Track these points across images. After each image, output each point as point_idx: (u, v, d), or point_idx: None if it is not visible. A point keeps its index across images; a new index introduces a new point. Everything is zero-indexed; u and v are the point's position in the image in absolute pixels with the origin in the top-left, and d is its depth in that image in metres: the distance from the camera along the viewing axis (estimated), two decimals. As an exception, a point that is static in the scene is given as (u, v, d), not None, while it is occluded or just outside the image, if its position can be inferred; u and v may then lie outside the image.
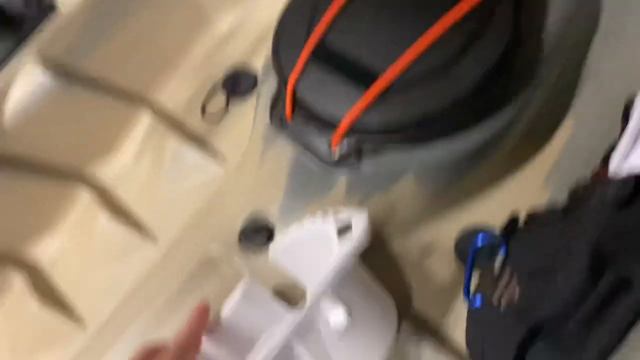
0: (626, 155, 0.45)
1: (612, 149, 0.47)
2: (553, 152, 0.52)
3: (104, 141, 0.65)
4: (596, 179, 0.46)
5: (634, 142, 0.45)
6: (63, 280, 0.62)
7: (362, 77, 0.47)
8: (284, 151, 0.54)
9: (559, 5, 0.52)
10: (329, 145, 0.50)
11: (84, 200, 0.63)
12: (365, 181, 0.51)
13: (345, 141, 0.49)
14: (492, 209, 0.51)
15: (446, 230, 0.51)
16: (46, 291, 0.61)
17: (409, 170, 0.49)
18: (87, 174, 0.65)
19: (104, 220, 0.62)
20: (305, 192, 0.53)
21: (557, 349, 0.36)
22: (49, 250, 0.63)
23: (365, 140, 0.48)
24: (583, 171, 0.49)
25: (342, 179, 0.51)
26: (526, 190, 0.51)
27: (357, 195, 0.51)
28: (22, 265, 0.61)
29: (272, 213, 0.54)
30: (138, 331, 0.54)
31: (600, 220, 0.38)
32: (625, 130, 0.46)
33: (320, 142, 0.50)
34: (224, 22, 0.69)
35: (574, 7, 0.52)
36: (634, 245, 0.37)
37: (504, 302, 0.40)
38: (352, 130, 0.48)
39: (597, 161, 0.48)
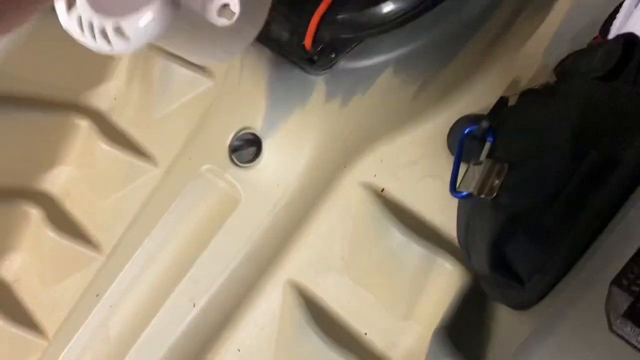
0: (628, 16, 0.41)
1: (615, 12, 0.42)
2: (552, 22, 0.48)
3: (94, 69, 0.64)
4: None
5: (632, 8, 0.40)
6: (76, 209, 0.64)
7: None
8: (261, 59, 0.51)
9: None
10: (304, 47, 0.47)
11: (83, 129, 0.64)
12: (345, 81, 0.48)
13: (318, 39, 0.46)
14: (486, 94, 0.48)
15: (438, 124, 0.49)
16: (62, 220, 0.63)
17: (386, 62, 0.46)
18: (82, 102, 0.65)
19: (105, 148, 0.62)
20: (286, 98, 0.51)
21: (537, 238, 0.35)
22: (59, 181, 0.65)
23: (338, 34, 0.45)
24: (586, 41, 0.45)
25: (321, 82, 0.49)
26: (523, 68, 0.47)
27: (338, 96, 0.49)
28: (36, 198, 0.64)
29: (256, 126, 0.53)
30: (145, 252, 0.56)
31: (584, 96, 0.35)
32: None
33: (293, 43, 0.48)
34: None
35: None
36: (616, 120, 0.33)
37: (486, 190, 0.38)
38: (323, 26, 0.45)
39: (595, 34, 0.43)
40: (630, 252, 0.29)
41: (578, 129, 0.34)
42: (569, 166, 0.34)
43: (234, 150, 0.54)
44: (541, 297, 0.34)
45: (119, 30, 0.33)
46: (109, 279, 0.57)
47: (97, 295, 0.57)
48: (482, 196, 0.38)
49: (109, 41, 0.34)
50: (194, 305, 0.53)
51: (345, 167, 0.51)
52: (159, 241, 0.55)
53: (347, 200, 0.51)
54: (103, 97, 0.65)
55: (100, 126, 0.64)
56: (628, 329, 0.27)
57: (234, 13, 0.35)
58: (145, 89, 0.63)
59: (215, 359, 0.53)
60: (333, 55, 0.47)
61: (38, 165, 0.65)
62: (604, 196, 0.33)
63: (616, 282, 0.28)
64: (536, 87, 0.42)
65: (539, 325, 0.32)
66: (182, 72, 0.62)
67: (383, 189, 0.50)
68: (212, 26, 0.35)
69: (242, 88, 0.54)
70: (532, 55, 0.47)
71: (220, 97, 0.57)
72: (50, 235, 0.62)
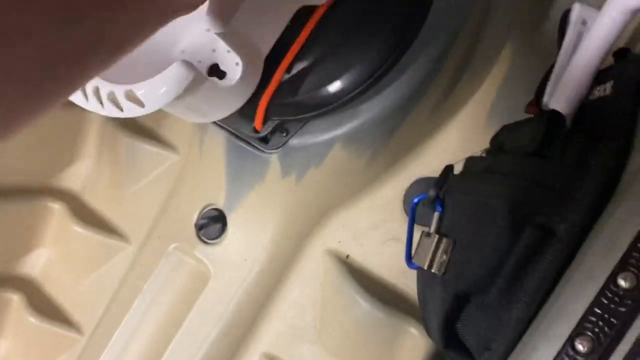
0: (560, 78, 0.42)
1: (548, 75, 0.44)
2: (490, 90, 0.49)
3: (62, 150, 0.65)
4: (529, 113, 0.43)
5: (562, 69, 0.41)
6: (56, 291, 0.65)
7: (271, 63, 0.45)
8: (218, 138, 0.53)
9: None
10: (255, 128, 0.48)
11: (57, 212, 0.65)
12: (298, 157, 0.50)
13: (268, 121, 0.48)
14: (434, 159, 0.50)
15: (393, 189, 0.50)
16: (42, 305, 0.64)
17: (334, 138, 0.48)
18: (55, 185, 0.66)
19: (78, 230, 0.64)
20: (244, 176, 0.52)
21: (483, 315, 0.36)
22: (38, 265, 0.66)
23: (285, 118, 0.47)
24: (521, 106, 0.46)
25: (275, 159, 0.50)
26: (468, 133, 0.49)
27: (294, 172, 0.50)
28: (15, 283, 0.65)
29: (219, 203, 0.54)
30: (124, 333, 0.57)
31: (516, 170, 0.36)
32: (555, 63, 0.42)
33: (246, 125, 0.49)
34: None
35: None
36: (553, 193, 0.34)
37: (435, 264, 0.39)
38: (271, 109, 0.46)
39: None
40: (567, 332, 0.30)
41: (513, 205, 0.35)
42: (507, 243, 0.35)
43: (200, 227, 0.55)
44: (492, 373, 0.35)
45: (131, 96, 0.35)
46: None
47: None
48: (433, 271, 0.39)
49: (119, 107, 0.37)
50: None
51: (309, 235, 0.52)
52: (136, 322, 0.57)
53: (315, 268, 0.52)
54: (74, 177, 0.67)
55: (73, 208, 0.65)
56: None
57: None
58: (114, 167, 0.65)
59: None
60: (284, 135, 0.49)
61: (15, 250, 0.66)
62: (541, 272, 0.34)
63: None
64: (478, 155, 0.44)
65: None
66: (146, 149, 0.63)
67: (348, 255, 0.51)
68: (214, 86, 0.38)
69: (203, 166, 0.55)
70: (474, 118, 0.49)
71: (185, 174, 0.58)
72: (31, 320, 0.63)
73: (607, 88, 0.37)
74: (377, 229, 0.51)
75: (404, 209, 0.50)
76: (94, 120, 0.65)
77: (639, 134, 0.34)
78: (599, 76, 0.39)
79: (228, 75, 0.40)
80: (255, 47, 0.42)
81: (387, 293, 0.49)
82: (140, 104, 0.37)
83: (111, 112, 0.38)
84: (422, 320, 0.43)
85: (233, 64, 0.40)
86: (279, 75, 0.45)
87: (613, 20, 0.38)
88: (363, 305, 0.48)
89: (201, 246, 0.55)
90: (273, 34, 0.43)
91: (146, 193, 0.63)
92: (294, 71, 0.45)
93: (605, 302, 0.29)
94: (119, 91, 0.37)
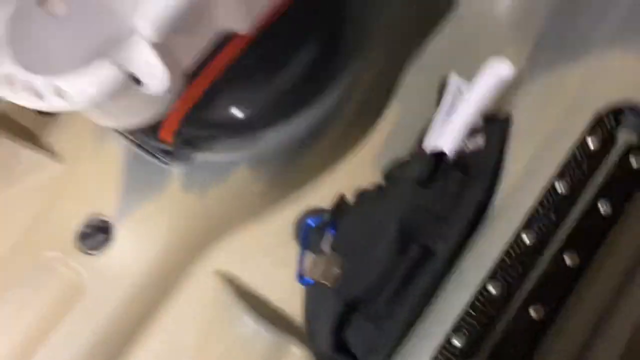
0: (435, 139, 0.50)
1: (427, 128, 0.51)
2: (382, 132, 0.56)
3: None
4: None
5: (442, 122, 0.49)
6: None
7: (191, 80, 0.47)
8: (118, 149, 0.52)
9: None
10: (159, 139, 0.49)
11: None
12: (201, 173, 0.51)
13: (177, 134, 0.49)
14: (329, 191, 0.54)
15: (286, 216, 0.53)
16: None
17: (241, 160, 0.51)
18: None
19: None
20: (141, 186, 0.52)
21: (371, 322, 0.40)
22: None
23: (195, 134, 0.49)
24: (405, 148, 0.53)
25: (176, 173, 0.51)
26: (360, 170, 0.54)
27: (195, 188, 0.51)
28: None
29: (107, 213, 0.53)
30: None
31: (406, 199, 0.42)
32: (435, 116, 0.50)
33: (152, 136, 0.50)
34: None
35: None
36: (432, 220, 0.40)
37: (328, 280, 0.43)
38: (182, 125, 0.48)
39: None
40: (445, 330, 0.35)
41: (401, 225, 0.41)
42: (395, 259, 0.40)
43: (82, 236, 0.53)
44: (374, 375, 0.39)
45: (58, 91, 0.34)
46: None
47: None
48: (325, 283, 0.42)
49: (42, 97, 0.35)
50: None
51: (200, 253, 0.53)
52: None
53: (201, 287, 0.53)
54: None
55: None
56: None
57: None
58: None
59: None
60: (190, 149, 0.50)
61: None
62: (423, 283, 0.39)
63: (437, 358, 0.34)
64: (369, 189, 0.49)
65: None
66: (26, 153, 0.60)
67: (236, 277, 0.53)
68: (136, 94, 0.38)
69: (94, 174, 0.54)
70: (367, 159, 0.55)
71: (70, 181, 0.56)
72: None
73: (479, 141, 0.45)
74: (267, 254, 0.53)
75: (296, 235, 0.53)
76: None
77: (501, 176, 0.42)
78: (472, 132, 0.47)
79: (150, 85, 0.41)
80: (178, 62, 0.44)
81: (273, 315, 0.51)
82: (64, 98, 0.36)
83: (29, 101, 0.37)
84: (308, 335, 0.46)
85: (158, 75, 0.41)
86: (194, 92, 0.47)
87: (481, 88, 0.47)
88: (249, 325, 0.50)
89: (80, 256, 0.52)
90: (196, 52, 0.45)
91: (18, 200, 0.59)
92: (210, 90, 0.48)
93: (478, 304, 0.35)
94: (40, 81, 0.37)
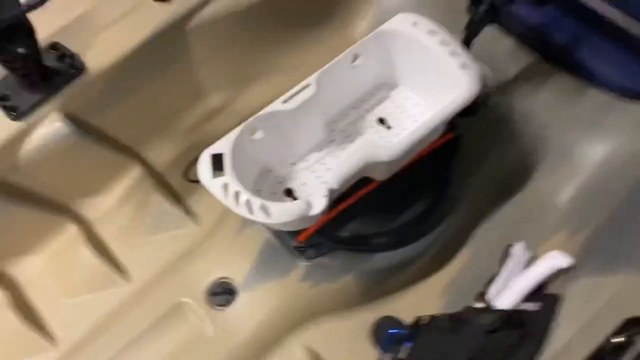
0: (497, 293, 0.66)
1: (491, 281, 0.67)
2: (450, 271, 0.72)
3: (96, 184, 0.75)
4: (479, 302, 0.65)
5: (503, 286, 0.65)
6: (39, 299, 0.71)
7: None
8: (259, 234, 0.68)
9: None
10: (296, 239, 0.65)
11: (70, 231, 0.73)
12: (320, 272, 0.67)
13: (310, 239, 0.65)
14: (402, 305, 0.70)
15: (368, 317, 0.69)
16: (23, 306, 0.69)
17: (351, 269, 0.66)
18: (76, 209, 0.75)
19: (85, 252, 0.72)
20: (269, 270, 0.68)
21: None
22: (28, 270, 0.72)
23: (323, 242, 0.65)
24: (470, 290, 0.69)
25: (301, 267, 0.67)
26: (430, 295, 0.70)
27: (310, 282, 0.67)
28: (1, 279, 0.70)
29: (237, 279, 0.68)
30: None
31: (476, 340, 0.57)
32: (499, 274, 0.66)
33: (291, 238, 0.66)
34: (216, 99, 0.82)
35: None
36: (497, 357, 0.56)
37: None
38: (316, 234, 0.64)
39: (480, 286, 0.68)
40: None
41: (471, 358, 0.56)
42: (462, 382, 0.55)
43: (212, 293, 0.68)
44: None
45: (264, 208, 0.50)
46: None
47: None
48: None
49: (251, 211, 0.51)
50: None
51: (294, 329, 0.68)
52: (131, 350, 0.66)
53: (290, 355, 0.67)
54: (95, 208, 0.76)
55: (86, 232, 0.73)
56: None
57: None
58: (135, 214, 0.75)
59: None
60: (317, 252, 0.66)
61: (16, 250, 0.71)
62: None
63: None
64: (441, 317, 0.65)
65: None
66: (172, 211, 0.75)
67: (319, 354, 0.67)
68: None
69: (235, 247, 0.70)
70: (436, 290, 0.71)
71: (209, 244, 0.72)
72: (11, 317, 0.67)
73: (535, 306, 0.61)
74: (346, 343, 0.68)
75: (372, 334, 0.68)
76: (133, 169, 0.76)
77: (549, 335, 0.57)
78: (528, 297, 0.63)
79: (314, 207, 0.56)
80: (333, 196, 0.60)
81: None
82: (268, 216, 0.52)
83: (243, 213, 0.53)
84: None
85: (321, 201, 0.57)
86: (332, 214, 0.63)
87: (546, 268, 0.63)
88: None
89: (208, 309, 0.67)
90: (344, 188, 0.62)
91: (158, 246, 0.74)
92: (342, 214, 0.64)
93: None
94: (256, 201, 0.52)
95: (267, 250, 0.68)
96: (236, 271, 0.69)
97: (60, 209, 0.74)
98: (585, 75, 0.74)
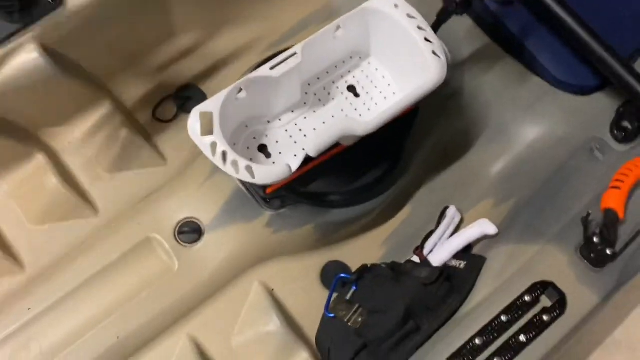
0: (431, 249, 0.76)
1: (427, 237, 0.78)
2: (393, 226, 0.82)
3: (66, 116, 0.76)
4: (417, 256, 0.76)
5: (436, 243, 0.76)
6: (4, 223, 0.73)
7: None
8: (229, 181, 0.74)
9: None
10: (264, 190, 0.72)
11: (37, 160, 0.74)
12: (282, 221, 0.74)
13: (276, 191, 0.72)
14: (349, 252, 0.79)
15: (318, 261, 0.78)
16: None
17: (311, 221, 0.74)
18: (44, 139, 0.76)
19: (52, 180, 0.74)
20: (235, 215, 0.74)
21: (375, 358, 0.66)
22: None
23: (289, 195, 0.72)
24: (409, 244, 0.79)
25: (266, 214, 0.74)
26: (374, 246, 0.80)
27: (272, 228, 0.74)
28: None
29: (204, 221, 0.74)
30: (79, 291, 0.70)
31: (414, 291, 0.68)
32: (435, 233, 0.76)
33: (259, 190, 0.72)
34: (187, 40, 0.83)
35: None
36: (425, 308, 0.67)
37: (351, 322, 0.68)
38: (284, 188, 0.71)
39: (418, 241, 0.78)
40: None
41: (407, 307, 0.67)
42: (399, 325, 0.66)
43: (180, 231, 0.74)
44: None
45: (249, 169, 0.55)
46: (43, 299, 0.69)
47: (28, 309, 0.68)
48: (349, 324, 0.67)
49: (237, 171, 0.56)
50: (118, 338, 0.69)
51: (253, 267, 0.76)
52: (97, 282, 0.71)
53: (247, 289, 0.75)
54: (60, 139, 0.77)
55: (54, 162, 0.75)
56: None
57: None
58: (103, 148, 0.77)
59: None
60: (281, 204, 0.73)
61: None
62: (410, 345, 0.66)
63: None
64: (383, 266, 0.75)
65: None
66: (141, 148, 0.78)
67: (273, 289, 0.76)
68: None
69: (204, 190, 0.75)
70: (377, 241, 0.81)
71: (178, 185, 0.76)
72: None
73: (462, 264, 0.72)
74: (298, 281, 0.77)
75: (321, 276, 0.78)
76: (103, 104, 0.77)
77: (473, 293, 0.69)
78: (456, 255, 0.74)
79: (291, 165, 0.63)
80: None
81: (293, 323, 0.75)
82: (253, 177, 0.58)
83: (229, 171, 0.58)
84: (322, 351, 0.71)
85: (296, 164, 0.63)
86: (299, 173, 0.70)
87: (475, 233, 0.74)
88: (276, 323, 0.73)
89: (176, 245, 0.73)
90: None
91: (126, 183, 0.78)
92: (308, 174, 0.71)
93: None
94: (242, 162, 0.58)
95: (236, 198, 0.74)
96: (204, 213, 0.74)
97: (28, 138, 0.75)
98: (528, 62, 0.83)
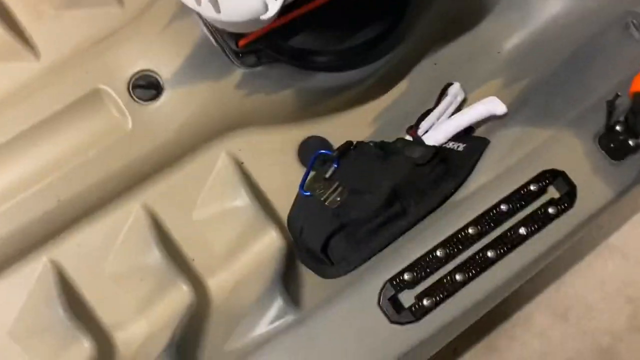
0: (427, 129, 0.66)
1: (424, 116, 0.68)
2: (386, 101, 0.71)
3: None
4: (410, 135, 0.66)
5: (434, 123, 0.66)
6: None
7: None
8: (193, 29, 0.61)
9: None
10: (236, 43, 0.60)
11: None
12: (256, 81, 0.63)
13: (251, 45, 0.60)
14: (332, 127, 0.69)
15: (296, 135, 0.68)
16: None
17: (291, 85, 0.63)
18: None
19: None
20: (201, 70, 0.62)
21: (352, 240, 0.57)
22: None
23: (260, 51, 0.60)
24: (402, 122, 0.69)
25: (238, 72, 0.62)
26: (362, 122, 0.70)
27: (245, 90, 0.63)
28: None
29: (164, 75, 0.63)
30: (13, 144, 0.60)
31: (403, 171, 0.59)
32: (433, 112, 0.66)
33: (230, 41, 0.60)
34: None
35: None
36: (414, 190, 0.58)
37: (329, 201, 0.59)
38: (260, 41, 0.59)
39: (413, 120, 0.68)
40: (400, 267, 0.54)
41: (394, 187, 0.58)
42: (383, 206, 0.57)
43: (135, 85, 0.62)
44: (341, 275, 0.57)
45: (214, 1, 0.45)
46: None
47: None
48: (326, 204, 0.59)
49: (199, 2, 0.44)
50: (58, 201, 0.60)
51: (221, 135, 0.66)
52: (36, 135, 0.60)
53: (213, 159, 0.66)
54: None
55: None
56: (390, 308, 0.52)
57: None
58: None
59: (56, 246, 0.61)
60: (257, 61, 0.61)
61: None
62: (393, 230, 0.57)
63: (390, 281, 0.53)
64: (370, 143, 0.65)
65: (335, 290, 0.55)
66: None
67: (243, 162, 0.66)
68: None
69: (164, 38, 0.62)
70: (368, 117, 0.70)
71: (133, 30, 0.64)
72: None
73: (461, 147, 0.63)
74: (272, 154, 0.67)
75: (298, 151, 0.68)
76: None
77: (471, 178, 0.60)
78: (455, 137, 0.64)
79: (269, 11, 0.51)
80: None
81: (262, 199, 0.66)
82: (218, 10, 0.46)
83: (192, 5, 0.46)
84: (294, 230, 0.62)
85: (275, 11, 0.51)
86: (281, 21, 0.58)
87: (480, 112, 0.64)
88: (244, 199, 0.64)
89: (129, 101, 0.62)
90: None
91: (73, 24, 0.65)
92: (291, 24, 0.59)
93: (427, 259, 0.54)
94: None
95: (202, 49, 0.62)
96: (164, 66, 0.63)
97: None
98: None
